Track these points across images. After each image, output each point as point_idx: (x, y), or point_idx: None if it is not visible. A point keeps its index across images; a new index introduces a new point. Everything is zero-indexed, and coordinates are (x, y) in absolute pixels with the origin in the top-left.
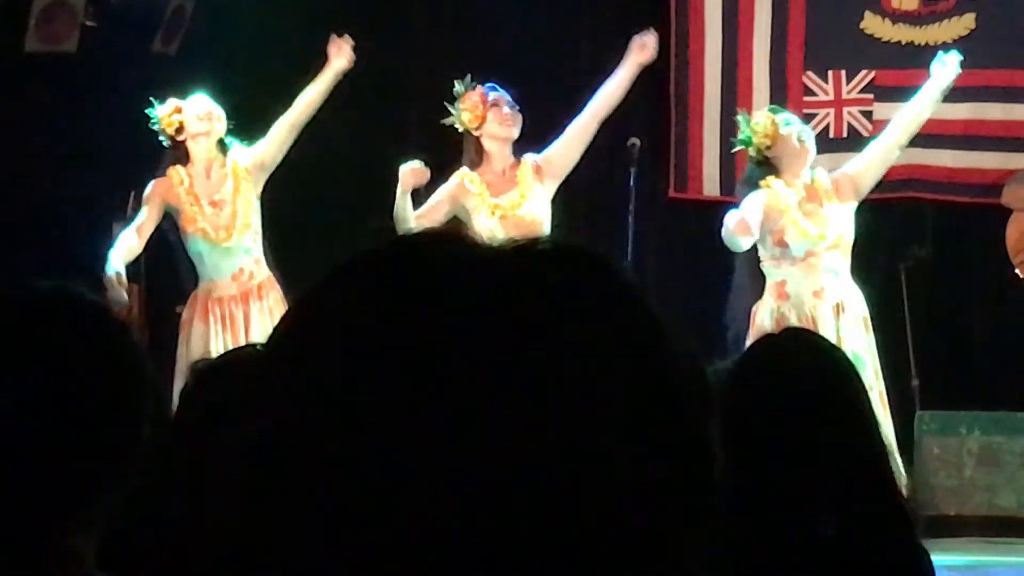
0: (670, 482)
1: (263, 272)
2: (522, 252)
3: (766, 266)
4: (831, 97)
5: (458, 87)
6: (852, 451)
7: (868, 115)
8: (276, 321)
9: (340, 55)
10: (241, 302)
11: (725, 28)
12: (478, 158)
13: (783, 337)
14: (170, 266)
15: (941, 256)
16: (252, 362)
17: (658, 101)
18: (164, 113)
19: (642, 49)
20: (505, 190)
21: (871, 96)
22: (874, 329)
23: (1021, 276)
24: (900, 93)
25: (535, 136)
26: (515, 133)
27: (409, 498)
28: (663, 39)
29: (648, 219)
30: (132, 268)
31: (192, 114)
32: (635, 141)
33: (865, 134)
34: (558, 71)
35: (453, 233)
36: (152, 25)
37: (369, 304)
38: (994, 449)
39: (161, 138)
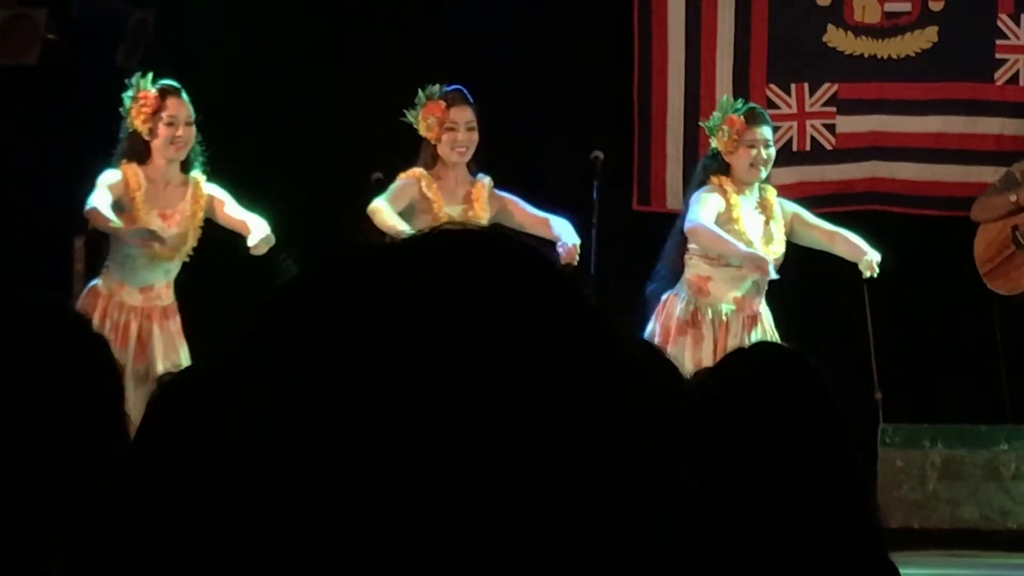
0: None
1: (171, 297)
2: (469, 247)
3: (694, 260)
4: (794, 110)
5: (420, 96)
6: (825, 464)
7: (831, 128)
8: (179, 347)
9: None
10: (143, 318)
11: (688, 40)
12: (432, 163)
13: (758, 349)
14: None
15: (904, 268)
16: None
17: (621, 114)
18: (143, 98)
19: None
20: (459, 204)
21: (834, 109)
22: (837, 341)
23: (988, 286)
24: (863, 106)
25: (492, 143)
26: (465, 159)
27: (386, 505)
28: (626, 51)
29: (612, 232)
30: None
31: (167, 131)
32: (598, 154)
33: (828, 147)
34: (519, 81)
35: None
36: (114, 38)
37: (338, 308)
38: (957, 462)
39: (124, 120)
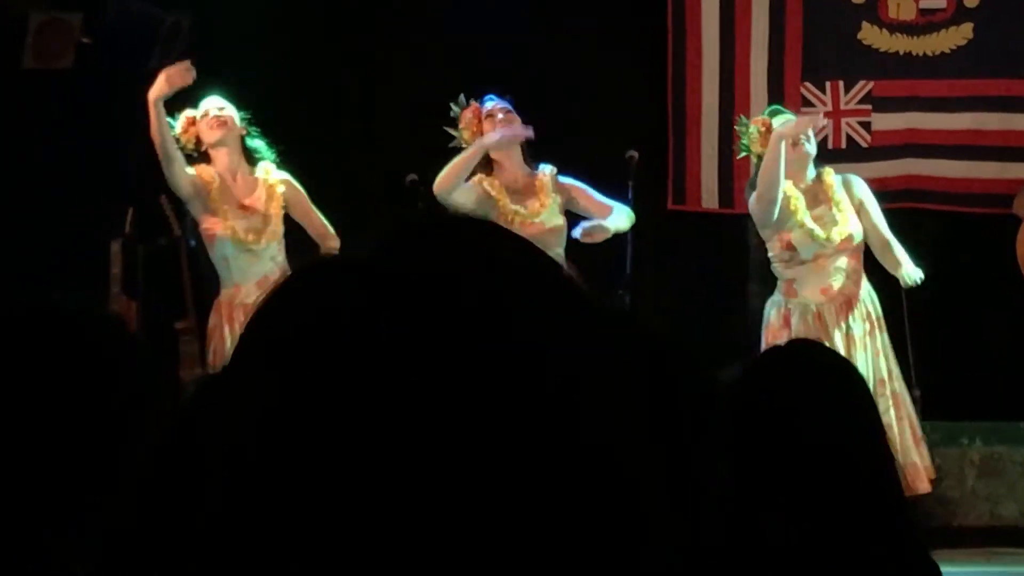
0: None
1: None
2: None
3: (776, 268)
4: (829, 108)
5: (454, 108)
6: (860, 462)
7: (866, 126)
8: None
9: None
10: None
11: (722, 39)
12: (488, 170)
13: (790, 348)
14: (170, 283)
15: (942, 265)
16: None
17: (656, 113)
18: (180, 131)
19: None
20: (524, 199)
21: (869, 107)
22: None
23: None
24: (898, 103)
25: (531, 147)
26: (514, 134)
27: (395, 503)
28: (660, 50)
29: (647, 231)
30: (131, 285)
31: (205, 125)
32: (633, 153)
33: (864, 145)
34: (554, 81)
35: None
36: (148, 41)
37: (348, 306)
38: (996, 459)
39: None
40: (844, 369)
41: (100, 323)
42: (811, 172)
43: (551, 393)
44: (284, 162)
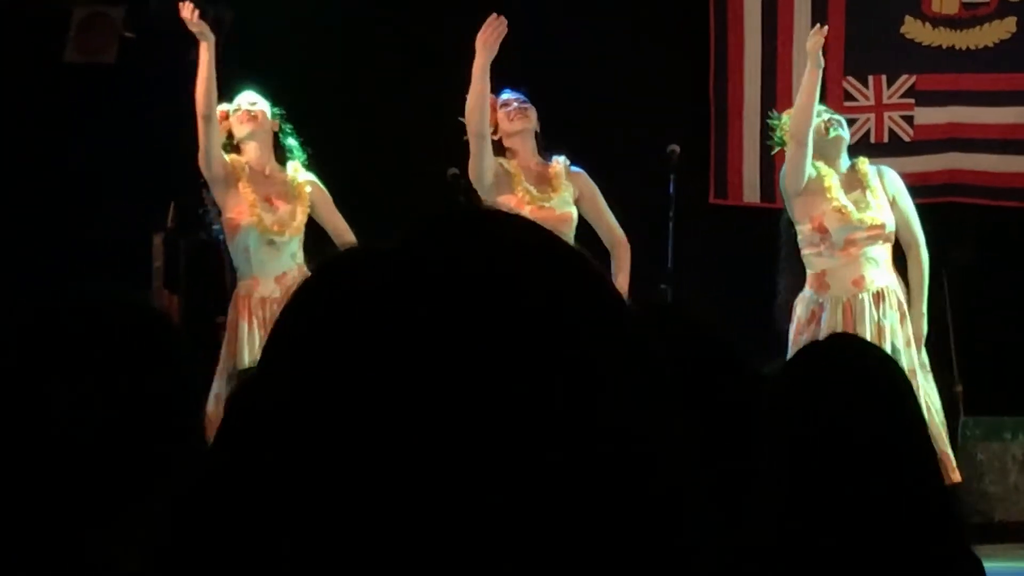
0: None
1: None
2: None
3: (806, 256)
4: (871, 102)
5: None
6: (905, 456)
7: (909, 120)
8: None
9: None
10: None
11: (764, 33)
12: (502, 154)
13: (831, 342)
14: (211, 277)
15: (984, 260)
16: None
17: (697, 107)
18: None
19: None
20: (537, 184)
21: (912, 101)
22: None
23: None
24: (941, 97)
25: (569, 138)
26: (527, 125)
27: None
28: (702, 44)
29: (689, 225)
30: (172, 279)
31: (236, 119)
32: (674, 148)
33: (906, 139)
34: (596, 76)
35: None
36: (190, 35)
37: (371, 301)
38: None
39: None
40: (886, 363)
41: (147, 316)
42: (845, 161)
43: (582, 384)
44: (322, 158)
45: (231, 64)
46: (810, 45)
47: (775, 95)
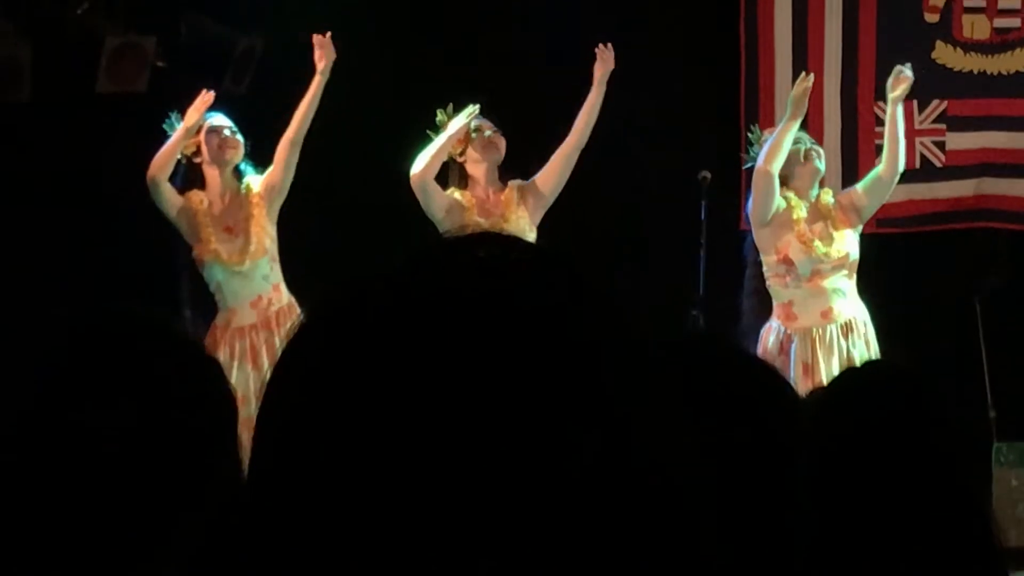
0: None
1: (282, 299)
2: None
3: (772, 286)
4: (903, 128)
5: (440, 116)
6: (942, 482)
7: (941, 145)
8: None
9: (323, 59)
10: (262, 329)
11: (795, 60)
12: (463, 183)
13: (871, 367)
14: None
15: (1016, 286)
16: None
17: (729, 134)
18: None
19: (603, 62)
20: (491, 213)
21: (944, 126)
22: (951, 359)
23: None
24: (972, 123)
25: (599, 164)
26: (498, 157)
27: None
28: (733, 70)
29: (720, 252)
30: (199, 307)
31: (210, 140)
32: (705, 174)
33: (938, 164)
34: (626, 101)
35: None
36: (221, 65)
37: (393, 312)
38: None
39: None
40: (923, 389)
41: (188, 348)
42: (815, 191)
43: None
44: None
45: (264, 89)
46: (795, 92)
47: (806, 122)
